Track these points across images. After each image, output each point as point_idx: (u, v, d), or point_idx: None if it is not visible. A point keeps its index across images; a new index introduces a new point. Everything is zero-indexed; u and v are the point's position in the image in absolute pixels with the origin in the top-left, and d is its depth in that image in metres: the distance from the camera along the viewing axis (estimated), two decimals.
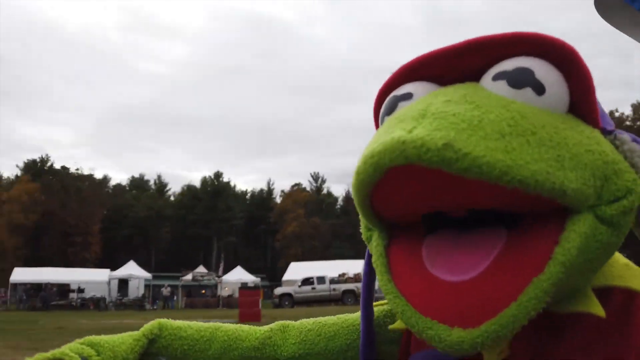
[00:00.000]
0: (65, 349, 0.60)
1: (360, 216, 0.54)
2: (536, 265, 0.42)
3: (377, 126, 0.57)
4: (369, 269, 0.60)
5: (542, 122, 0.44)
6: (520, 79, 0.46)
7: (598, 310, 0.46)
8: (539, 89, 0.46)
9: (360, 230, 0.58)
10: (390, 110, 0.53)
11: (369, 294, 0.63)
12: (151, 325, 0.69)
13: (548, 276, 0.41)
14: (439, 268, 0.45)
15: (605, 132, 0.50)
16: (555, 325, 0.49)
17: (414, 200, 0.46)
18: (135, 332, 0.67)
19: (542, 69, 0.47)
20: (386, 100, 0.55)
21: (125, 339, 0.66)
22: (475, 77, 0.50)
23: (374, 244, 0.53)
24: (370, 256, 0.58)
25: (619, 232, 0.46)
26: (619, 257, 0.54)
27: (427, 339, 0.42)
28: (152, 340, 0.67)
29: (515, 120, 0.43)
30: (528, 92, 0.46)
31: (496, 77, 0.48)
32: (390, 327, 0.61)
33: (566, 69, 0.47)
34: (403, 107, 0.50)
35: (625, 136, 0.50)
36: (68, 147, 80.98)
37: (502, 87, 0.47)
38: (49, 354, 0.58)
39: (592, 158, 0.45)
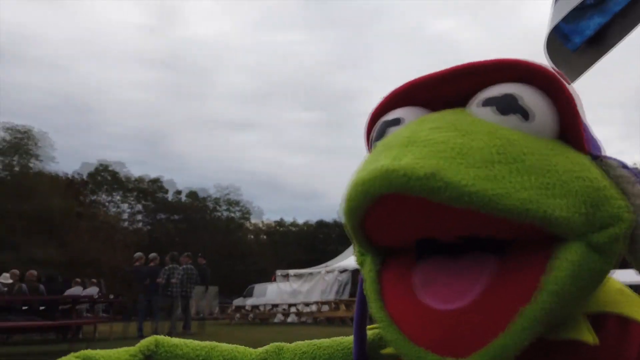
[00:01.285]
0: None
1: (353, 241, 0.53)
2: (524, 294, 0.41)
3: (368, 150, 0.57)
4: (362, 293, 0.58)
5: (531, 148, 0.44)
6: (508, 105, 0.46)
7: (589, 337, 0.45)
8: (527, 115, 0.46)
9: (354, 255, 0.58)
10: (380, 135, 0.53)
11: (362, 317, 0.61)
12: (147, 341, 0.68)
13: (540, 306, 0.40)
14: (429, 296, 0.45)
15: (594, 158, 0.49)
16: (548, 353, 0.48)
17: (405, 227, 0.46)
18: (131, 348, 0.66)
19: (529, 95, 0.46)
20: (376, 126, 0.55)
21: (122, 354, 0.65)
22: (464, 102, 0.50)
23: (367, 270, 0.53)
24: (363, 281, 0.57)
25: (609, 260, 0.45)
26: (613, 283, 0.52)
27: None
28: (148, 357, 0.66)
29: (503, 148, 0.42)
30: (516, 118, 0.46)
31: (484, 104, 0.47)
32: (382, 351, 0.60)
33: (553, 95, 0.47)
34: (392, 133, 0.50)
35: (613, 161, 0.49)
36: None
37: (489, 113, 0.46)
38: None
39: (582, 185, 0.44)
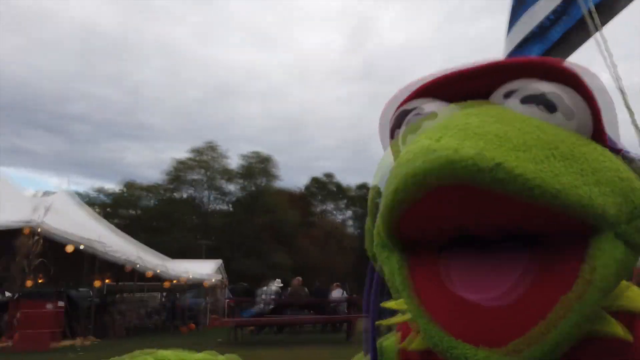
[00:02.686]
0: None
1: (373, 233, 0.54)
2: (565, 283, 0.41)
3: (386, 141, 0.59)
4: (377, 287, 0.59)
5: (578, 145, 0.45)
6: (550, 103, 0.47)
7: (620, 331, 0.45)
8: (569, 114, 0.47)
9: (366, 247, 0.57)
10: (399, 124, 0.54)
11: (376, 311, 0.60)
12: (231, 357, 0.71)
13: (589, 302, 0.41)
14: (462, 287, 0.44)
15: (614, 151, 0.50)
16: (578, 349, 0.45)
17: (443, 220, 0.45)
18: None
19: (567, 95, 0.47)
20: (398, 115, 0.55)
21: None
22: (481, 96, 0.51)
23: (396, 266, 0.51)
24: (373, 273, 0.59)
25: (638, 252, 0.45)
26: None
27: (451, 358, 0.42)
28: None
29: (555, 144, 0.43)
30: (558, 116, 0.47)
31: (524, 100, 0.48)
32: (410, 347, 0.58)
33: (585, 94, 0.48)
34: (426, 124, 0.48)
35: (632, 155, 0.51)
36: None
37: (532, 110, 0.47)
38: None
39: (612, 175, 0.45)
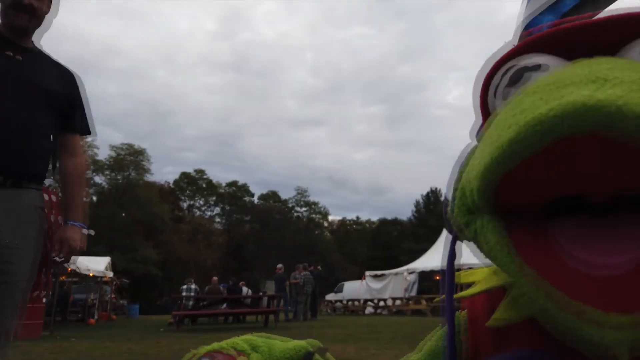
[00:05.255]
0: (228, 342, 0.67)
1: (459, 198, 0.48)
2: None
3: (484, 102, 0.53)
4: (452, 262, 0.55)
5: None
6: None
7: None
8: None
9: (450, 216, 0.50)
10: (516, 81, 0.48)
11: (452, 288, 0.55)
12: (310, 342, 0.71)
13: None
14: (584, 251, 0.39)
15: None
16: None
17: (556, 181, 0.39)
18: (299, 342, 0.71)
19: None
20: (506, 72, 0.50)
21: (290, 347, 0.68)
22: (606, 54, 0.45)
23: (489, 227, 0.44)
24: (452, 247, 0.55)
25: None
26: None
27: (578, 326, 0.37)
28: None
29: None
30: None
31: None
32: (488, 323, 0.51)
33: None
34: (538, 77, 0.44)
35: None
36: None
37: None
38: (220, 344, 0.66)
39: None
